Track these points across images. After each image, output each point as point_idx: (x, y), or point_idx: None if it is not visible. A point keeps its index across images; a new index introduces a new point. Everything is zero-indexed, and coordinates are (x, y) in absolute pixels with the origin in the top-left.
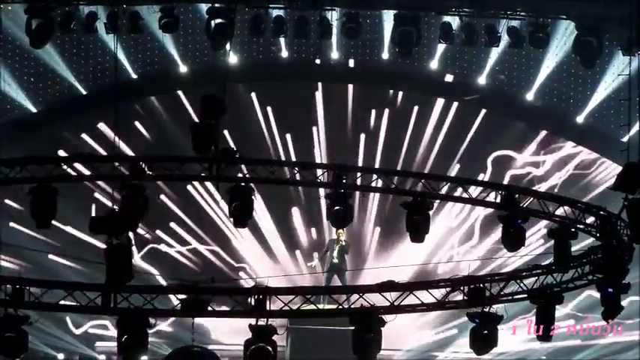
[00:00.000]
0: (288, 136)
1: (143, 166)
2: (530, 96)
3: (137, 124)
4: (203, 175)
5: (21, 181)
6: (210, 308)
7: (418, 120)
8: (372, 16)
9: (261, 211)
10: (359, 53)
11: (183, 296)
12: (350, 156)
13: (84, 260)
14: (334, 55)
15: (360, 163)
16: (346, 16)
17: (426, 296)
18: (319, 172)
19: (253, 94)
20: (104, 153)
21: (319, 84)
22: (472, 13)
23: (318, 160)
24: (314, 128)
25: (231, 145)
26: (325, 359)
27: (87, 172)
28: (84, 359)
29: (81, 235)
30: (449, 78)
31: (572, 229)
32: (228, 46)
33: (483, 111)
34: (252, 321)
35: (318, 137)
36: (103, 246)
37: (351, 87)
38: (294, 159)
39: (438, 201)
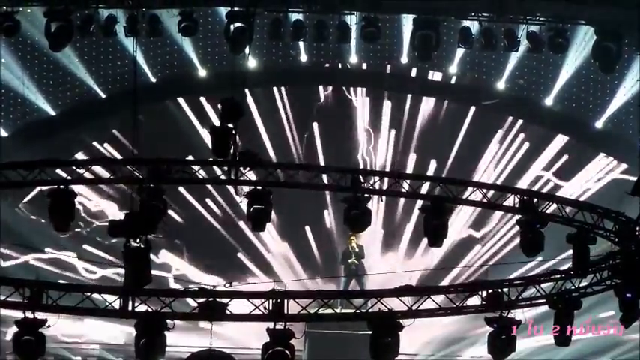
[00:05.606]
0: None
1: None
2: (549, 101)
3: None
4: (222, 178)
5: (39, 183)
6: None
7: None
8: (391, 20)
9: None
10: (378, 57)
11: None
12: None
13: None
14: (353, 59)
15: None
16: (365, 20)
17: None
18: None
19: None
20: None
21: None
22: (491, 17)
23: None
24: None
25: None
26: None
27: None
28: None
29: None
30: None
31: (591, 234)
32: (247, 50)
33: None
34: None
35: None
36: None
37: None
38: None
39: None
